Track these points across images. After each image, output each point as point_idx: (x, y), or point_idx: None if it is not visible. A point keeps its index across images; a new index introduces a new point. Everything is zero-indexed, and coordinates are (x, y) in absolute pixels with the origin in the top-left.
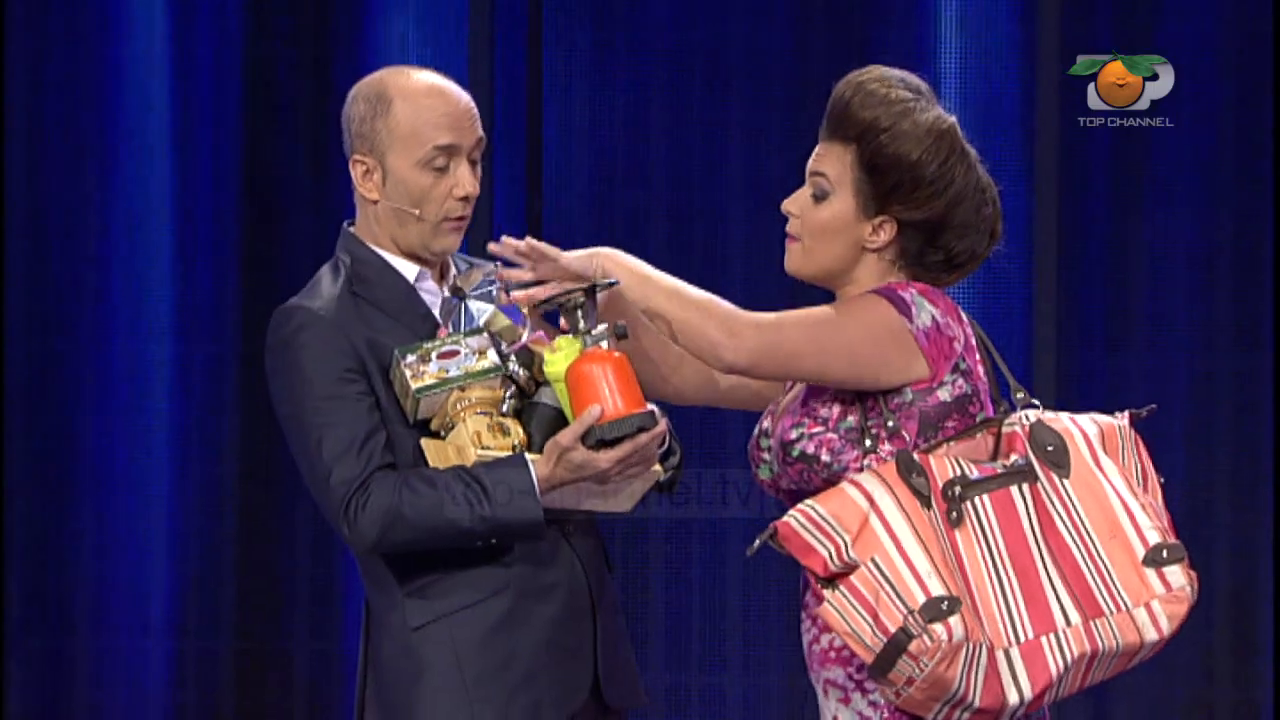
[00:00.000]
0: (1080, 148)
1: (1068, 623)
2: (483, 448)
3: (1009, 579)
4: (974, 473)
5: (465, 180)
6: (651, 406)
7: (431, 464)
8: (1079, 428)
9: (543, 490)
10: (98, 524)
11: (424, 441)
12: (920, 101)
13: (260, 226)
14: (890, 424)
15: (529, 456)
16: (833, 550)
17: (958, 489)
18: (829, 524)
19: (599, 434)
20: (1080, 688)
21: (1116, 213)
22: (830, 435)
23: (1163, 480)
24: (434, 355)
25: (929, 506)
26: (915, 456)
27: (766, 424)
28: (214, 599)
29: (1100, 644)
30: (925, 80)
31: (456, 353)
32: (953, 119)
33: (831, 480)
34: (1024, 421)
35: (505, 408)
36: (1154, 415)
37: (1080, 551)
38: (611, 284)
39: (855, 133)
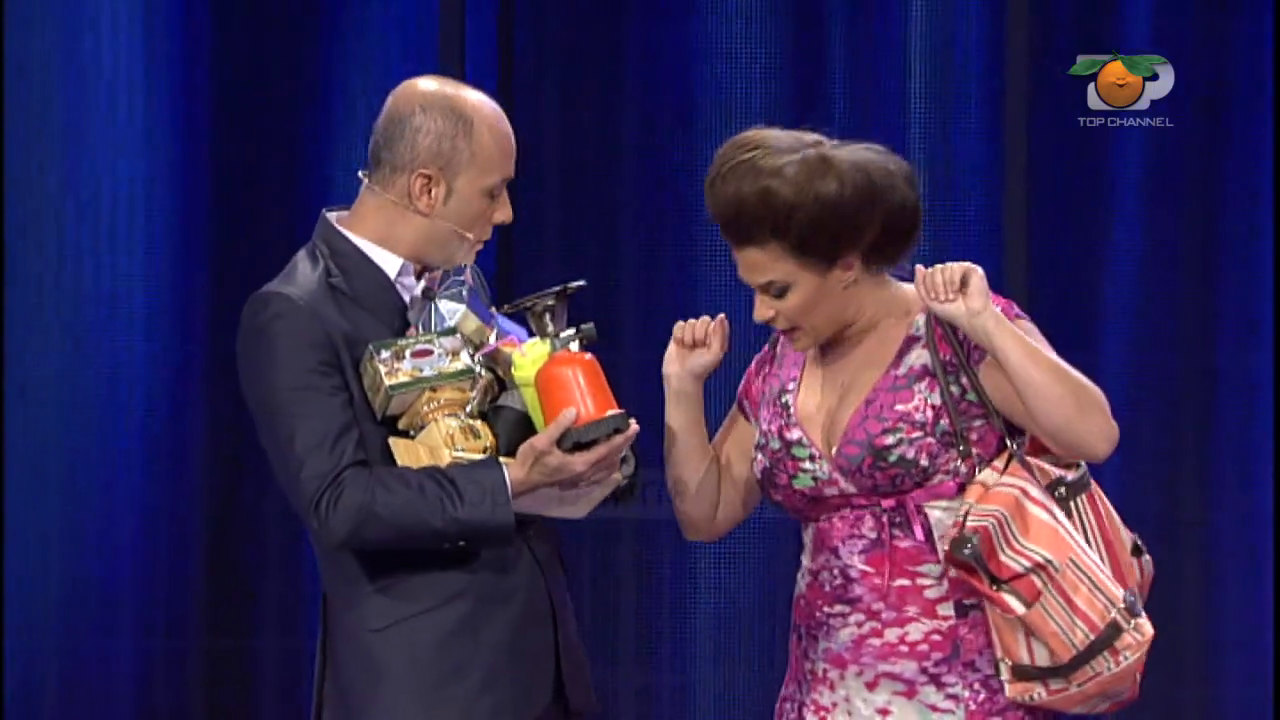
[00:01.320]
0: (1048, 144)
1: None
2: (456, 450)
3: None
4: (1067, 475)
5: (506, 210)
6: (622, 409)
7: (400, 463)
8: None
9: (515, 494)
10: (65, 523)
11: (392, 440)
12: (773, 153)
13: (230, 225)
14: (963, 426)
15: (503, 460)
16: (1014, 554)
17: (1063, 490)
18: (1010, 528)
19: (575, 437)
20: None
21: (1085, 209)
22: (929, 440)
23: None
24: (408, 353)
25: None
26: (1027, 459)
27: (795, 435)
28: (183, 598)
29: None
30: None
31: (430, 352)
32: (814, 137)
33: (923, 484)
34: None
35: (470, 409)
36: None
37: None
38: (580, 285)
39: (765, 233)
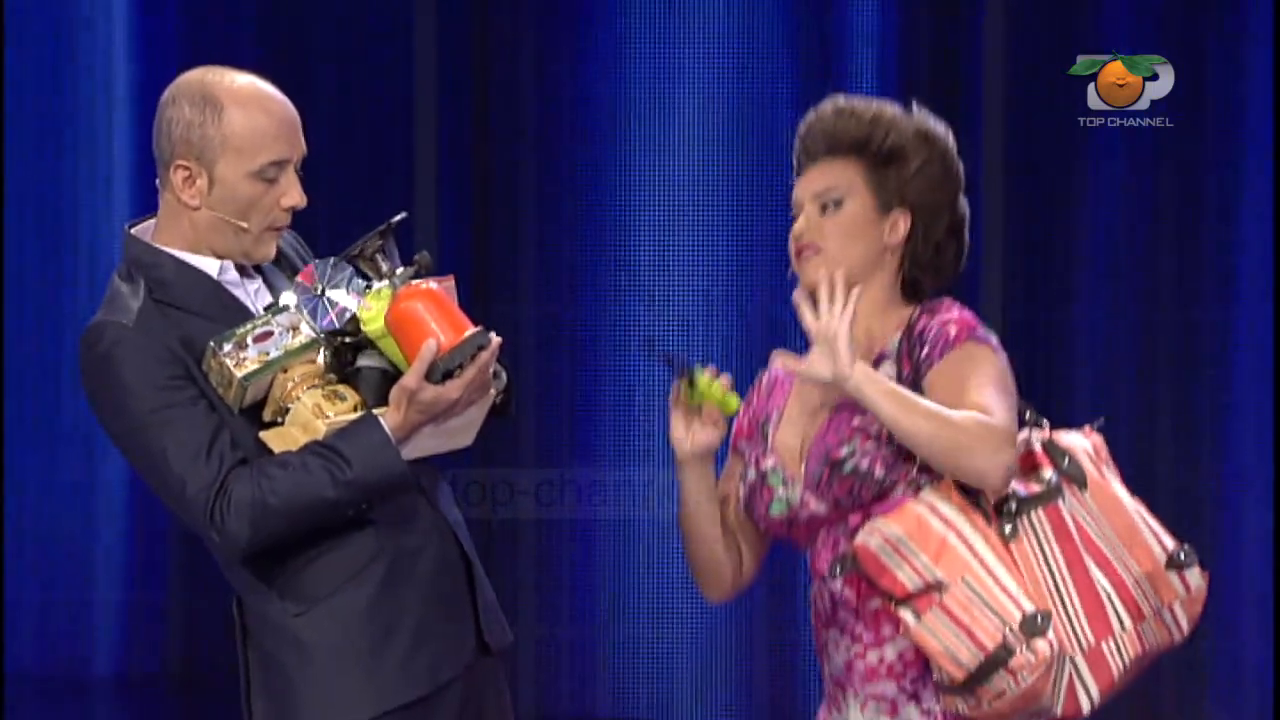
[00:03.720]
0: (1048, 144)
1: (1122, 627)
2: (327, 417)
3: (1068, 589)
4: (1022, 490)
5: (294, 192)
6: (479, 326)
7: (278, 452)
8: (1079, 443)
9: (398, 439)
10: (48, 483)
11: (264, 435)
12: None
13: None
14: None
15: (377, 412)
16: (911, 572)
17: (1013, 505)
18: (906, 546)
19: (442, 366)
20: (1124, 687)
21: (1084, 208)
22: (883, 451)
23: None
24: (250, 340)
25: (990, 523)
26: None
27: (769, 463)
28: (161, 551)
29: (1148, 644)
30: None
31: (271, 333)
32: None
33: (881, 495)
34: (1033, 441)
35: (329, 376)
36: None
37: (1115, 558)
38: (402, 217)
39: (857, 140)
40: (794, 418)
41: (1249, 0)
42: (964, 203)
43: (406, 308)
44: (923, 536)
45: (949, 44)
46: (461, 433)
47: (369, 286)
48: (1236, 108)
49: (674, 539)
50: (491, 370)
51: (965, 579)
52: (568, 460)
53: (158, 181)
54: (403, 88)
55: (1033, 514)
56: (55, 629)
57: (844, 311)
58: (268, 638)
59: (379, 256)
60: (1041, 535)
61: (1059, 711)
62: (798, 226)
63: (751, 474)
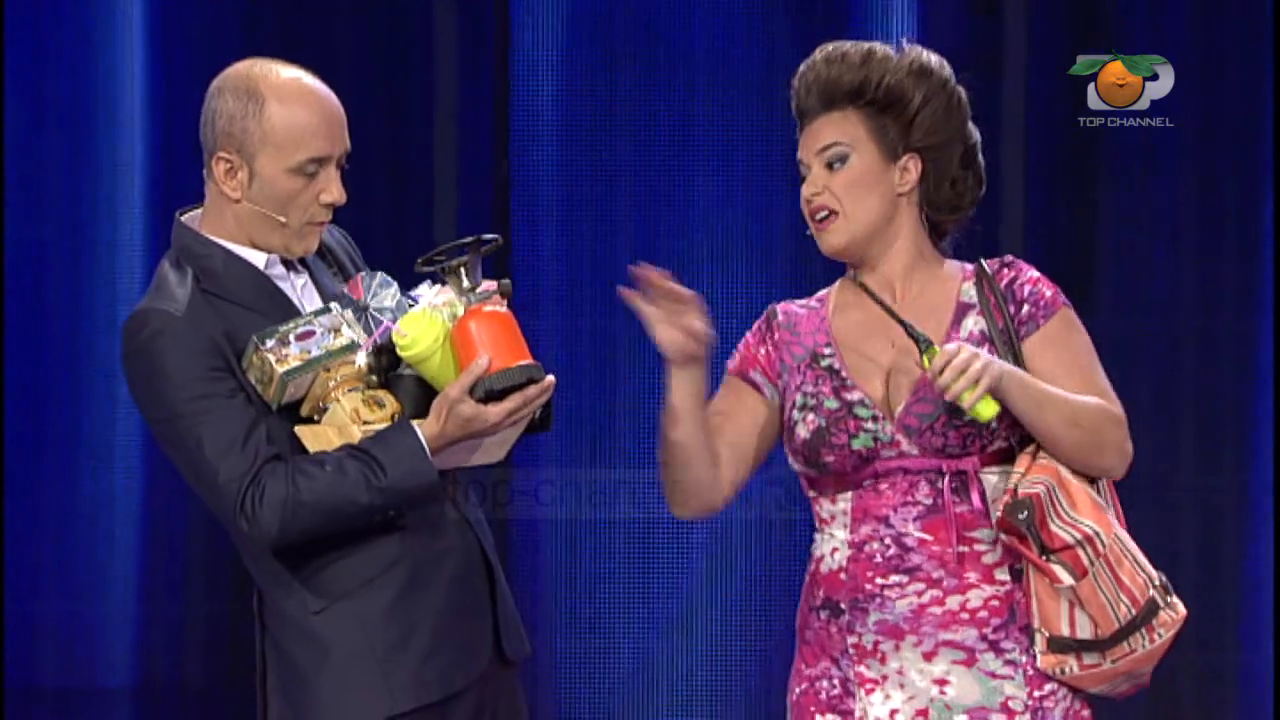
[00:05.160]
0: (1049, 144)
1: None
2: (364, 423)
3: None
4: None
5: (334, 189)
6: (536, 362)
7: (312, 450)
8: None
9: (433, 449)
10: (62, 495)
11: (299, 429)
12: (892, 47)
13: None
14: None
15: (414, 422)
16: (1065, 524)
17: None
18: (1059, 499)
19: (487, 385)
20: None
21: (1083, 208)
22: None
23: None
24: (292, 337)
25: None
26: None
27: (856, 395)
28: (180, 560)
29: None
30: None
31: (313, 333)
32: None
33: (986, 447)
34: None
35: (370, 380)
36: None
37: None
38: (494, 239)
39: (853, 88)
40: (858, 351)
41: (1247, 1)
42: (973, 130)
43: (472, 323)
44: (1065, 490)
45: (966, 44)
46: (494, 449)
47: (412, 304)
48: (1238, 108)
49: (683, 542)
50: (537, 406)
51: (1116, 534)
52: (587, 461)
53: (204, 171)
54: (423, 88)
55: (1103, 480)
56: (70, 641)
57: (958, 362)
58: (285, 634)
59: (464, 270)
60: (1113, 503)
61: (1146, 680)
62: (807, 189)
63: (834, 404)
